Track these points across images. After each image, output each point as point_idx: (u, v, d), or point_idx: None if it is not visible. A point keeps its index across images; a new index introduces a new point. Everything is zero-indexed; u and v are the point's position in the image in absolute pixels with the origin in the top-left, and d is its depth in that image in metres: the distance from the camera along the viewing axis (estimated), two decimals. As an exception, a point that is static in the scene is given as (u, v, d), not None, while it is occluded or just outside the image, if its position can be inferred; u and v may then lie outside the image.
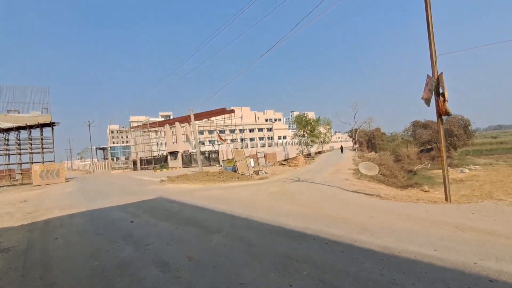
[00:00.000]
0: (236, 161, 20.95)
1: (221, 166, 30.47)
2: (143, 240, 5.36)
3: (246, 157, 22.31)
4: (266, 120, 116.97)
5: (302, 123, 47.10)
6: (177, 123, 34.86)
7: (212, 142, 66.56)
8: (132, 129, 42.44)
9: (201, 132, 70.77)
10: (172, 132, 37.70)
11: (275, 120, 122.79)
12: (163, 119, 73.33)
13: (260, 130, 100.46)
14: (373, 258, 3.73)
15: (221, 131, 67.93)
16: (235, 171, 21.49)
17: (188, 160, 34.50)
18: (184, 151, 35.44)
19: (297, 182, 15.44)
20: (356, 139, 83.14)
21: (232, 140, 54.94)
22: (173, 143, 36.77)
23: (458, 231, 4.71)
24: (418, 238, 4.42)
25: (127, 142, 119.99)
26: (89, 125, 47.91)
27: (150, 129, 39.00)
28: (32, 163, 29.22)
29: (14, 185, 27.76)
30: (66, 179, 30.13)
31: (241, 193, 11.54)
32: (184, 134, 36.46)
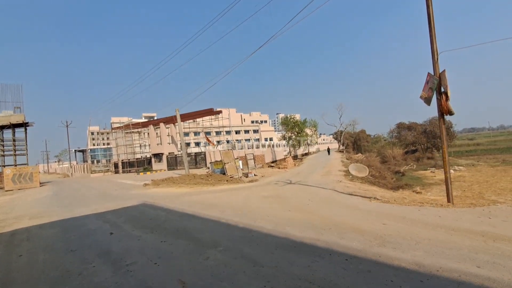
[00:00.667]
0: (225, 163, 20.09)
1: (209, 168, 29.48)
2: (124, 258, 4.48)
3: (235, 159, 21.50)
4: (252, 122, 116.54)
5: (289, 124, 46.82)
6: (161, 124, 33.48)
7: (198, 144, 65.13)
8: (113, 130, 40.50)
9: (186, 134, 69.10)
10: (157, 133, 36.21)
11: (261, 122, 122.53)
12: (146, 120, 71.04)
13: (247, 132, 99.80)
14: (410, 279, 3.09)
15: (207, 133, 66.63)
16: (224, 174, 20.64)
17: (173, 162, 33.18)
18: (169, 153, 34.08)
19: (290, 184, 14.82)
20: (342, 141, 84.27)
21: (218, 142, 53.85)
22: (158, 144, 35.28)
23: (489, 241, 4.18)
24: (450, 251, 3.83)
25: (108, 144, 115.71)
26: (67, 125, 45.44)
27: (133, 130, 37.30)
28: (3, 166, 27.03)
29: (-18, 190, 25.52)
30: (41, 183, 28.14)
31: (233, 198, 10.76)
32: (169, 135, 35.09)
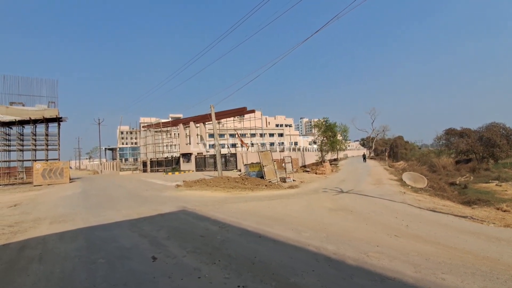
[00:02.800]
0: (263, 166, 18.01)
1: (240, 171, 27.65)
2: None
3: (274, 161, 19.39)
4: (277, 125, 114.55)
5: (322, 127, 44.02)
6: (191, 123, 32.21)
7: (222, 146, 63.84)
8: (143, 128, 39.97)
9: (211, 135, 68.21)
10: (186, 133, 35.07)
11: (286, 125, 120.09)
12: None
13: (271, 135, 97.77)
14: None
15: (232, 135, 65.30)
16: (261, 177, 18.58)
17: (202, 163, 31.71)
18: (198, 153, 32.70)
19: (344, 194, 12.55)
20: (373, 147, 79.43)
21: (252, 144, 51.93)
22: (187, 144, 34.07)
23: None
24: None
25: (135, 143, 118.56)
26: (99, 123, 45.83)
27: (162, 128, 36.48)
28: (34, 160, 26.89)
29: (14, 184, 25.40)
30: (70, 179, 27.70)
31: (290, 208, 8.61)
32: (198, 135, 33.78)
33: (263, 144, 45.91)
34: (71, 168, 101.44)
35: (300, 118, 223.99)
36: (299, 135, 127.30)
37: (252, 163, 20.83)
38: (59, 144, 28.54)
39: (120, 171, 37.35)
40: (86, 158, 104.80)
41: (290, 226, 6.11)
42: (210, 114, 26.08)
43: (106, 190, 16.69)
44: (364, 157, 39.06)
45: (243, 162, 26.43)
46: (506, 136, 31.66)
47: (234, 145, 63.68)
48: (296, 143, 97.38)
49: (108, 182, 23.40)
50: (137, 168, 40.07)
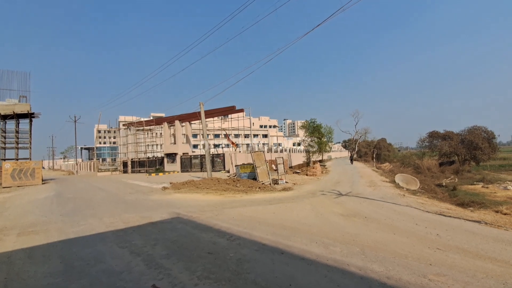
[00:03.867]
0: (256, 167, 17.12)
1: (228, 172, 26.59)
2: None
3: (267, 162, 18.55)
4: (261, 126, 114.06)
5: (310, 129, 43.78)
6: (177, 122, 30.70)
7: (216, 146, 62.26)
8: (124, 127, 37.81)
9: (195, 135, 66.46)
10: (170, 132, 33.46)
11: (270, 126, 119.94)
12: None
13: (255, 136, 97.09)
14: None
15: (217, 135, 63.87)
16: (254, 179, 17.71)
17: (187, 163, 30.30)
18: (183, 153, 31.24)
19: (345, 197, 12.04)
20: (356, 149, 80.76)
21: (237, 145, 50.73)
22: (171, 144, 32.48)
23: None
24: None
25: (114, 143, 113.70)
26: (75, 120, 43.00)
27: (145, 127, 34.62)
28: (3, 159, 24.43)
29: (-23, 185, 22.89)
30: (43, 180, 25.46)
31: (297, 215, 7.79)
32: (184, 134, 32.31)
33: (248, 145, 44.95)
34: (44, 168, 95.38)
35: (284, 120, 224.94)
36: (283, 136, 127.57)
37: (243, 164, 19.88)
38: (30, 142, 26.22)
39: (98, 171, 35.06)
40: (61, 158, 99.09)
41: (310, 238, 5.26)
42: (197, 113, 24.84)
43: (84, 193, 15.12)
44: (351, 159, 39.10)
45: (231, 163, 25.40)
46: (488, 139, 32.73)
47: (217, 146, 62.25)
48: (280, 144, 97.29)
49: (86, 184, 21.56)
50: (116, 168, 37.85)
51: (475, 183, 26.51)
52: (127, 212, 8.60)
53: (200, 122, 44.65)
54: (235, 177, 20.21)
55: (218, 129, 40.84)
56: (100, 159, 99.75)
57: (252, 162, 21.87)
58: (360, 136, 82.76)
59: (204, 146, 19.02)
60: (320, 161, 59.90)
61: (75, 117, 43.17)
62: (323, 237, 5.33)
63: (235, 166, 19.50)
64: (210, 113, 27.39)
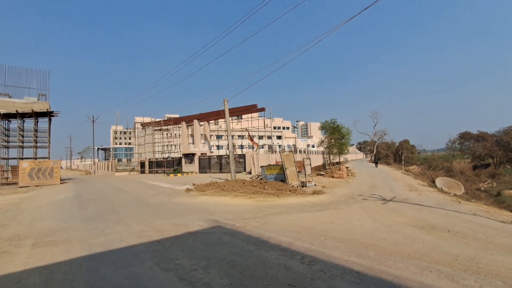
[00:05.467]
0: (285, 168, 15.82)
1: (249, 173, 25.38)
2: None
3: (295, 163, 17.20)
4: (274, 127, 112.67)
5: (330, 129, 42.16)
6: (195, 121, 29.81)
7: (221, 147, 61.44)
8: (142, 126, 37.31)
9: (220, 136, 65.75)
10: (188, 132, 32.62)
11: (284, 128, 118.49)
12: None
13: (269, 137, 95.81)
14: None
15: (241, 136, 62.92)
16: (282, 181, 16.42)
17: (206, 164, 29.29)
18: (201, 153, 30.28)
19: (395, 203, 10.76)
20: (375, 151, 77.99)
21: (262, 146, 49.61)
22: (189, 144, 31.63)
23: None
24: None
25: (129, 144, 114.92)
26: (93, 120, 42.97)
27: (162, 127, 33.96)
28: (21, 158, 24.12)
29: (-4, 184, 22.61)
30: (61, 180, 25.03)
31: (359, 225, 6.44)
32: (202, 134, 31.38)
33: (270, 146, 43.75)
34: (61, 168, 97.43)
35: (296, 121, 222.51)
36: (297, 138, 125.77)
37: (270, 165, 18.61)
38: (49, 141, 25.86)
39: (116, 171, 34.62)
40: (78, 158, 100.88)
41: (410, 262, 3.92)
42: (216, 112, 23.88)
43: (104, 194, 14.23)
44: (376, 161, 37.07)
45: (253, 164, 24.20)
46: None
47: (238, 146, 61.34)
48: (294, 146, 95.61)
49: (105, 184, 20.84)
50: (134, 168, 37.38)
51: (518, 188, 24.26)
52: (156, 218, 7.47)
53: (218, 121, 43.81)
54: (259, 178, 18.99)
55: (238, 130, 39.74)
56: (116, 159, 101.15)
57: (280, 163, 20.61)
58: (379, 138, 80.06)
59: (228, 146, 17.90)
60: (338, 163, 58.06)
61: (93, 117, 43.17)
62: (428, 260, 3.98)
63: (261, 167, 18.23)
64: (233, 111, 26.29)
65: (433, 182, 22.53)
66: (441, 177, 20.56)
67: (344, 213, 8.17)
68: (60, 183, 22.91)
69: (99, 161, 63.89)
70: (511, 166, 32.14)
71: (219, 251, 4.51)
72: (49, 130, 25.88)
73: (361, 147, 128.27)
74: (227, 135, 17.88)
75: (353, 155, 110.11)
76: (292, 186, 15.48)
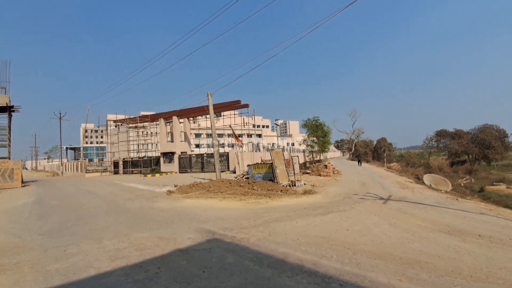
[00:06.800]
0: (276, 167, 14.85)
1: (234, 172, 24.16)
2: None
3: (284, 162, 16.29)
4: (254, 126, 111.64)
5: (312, 127, 41.87)
6: (174, 118, 28.00)
7: (200, 146, 59.52)
8: (114, 123, 34.68)
9: (199, 135, 63.57)
10: (166, 130, 30.70)
11: (264, 126, 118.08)
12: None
13: (249, 136, 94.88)
14: None
15: (209, 135, 61.13)
16: (271, 180, 15.48)
17: (186, 163, 27.64)
18: (181, 152, 28.56)
19: (394, 202, 10.31)
20: (353, 149, 79.58)
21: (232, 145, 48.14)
22: (168, 142, 29.74)
23: None
24: None
25: (101, 143, 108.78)
26: (60, 117, 39.53)
27: (138, 124, 31.71)
28: (-25, 159, 21.23)
29: None
30: (23, 182, 22.43)
31: (383, 233, 5.57)
32: (182, 132, 29.63)
33: (258, 144, 42.67)
34: (26, 169, 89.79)
35: (276, 120, 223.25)
36: (277, 136, 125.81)
37: (257, 163, 17.53)
38: (9, 139, 23.08)
39: (86, 172, 31.90)
40: (44, 158, 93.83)
41: (480, 286, 3.03)
42: (204, 106, 22.33)
43: (72, 198, 12.41)
44: (359, 160, 37.18)
45: (237, 162, 23.01)
46: (500, 137, 31.56)
47: (208, 146, 59.51)
48: (274, 144, 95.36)
49: (74, 187, 18.69)
50: (106, 169, 34.74)
51: (494, 183, 25.14)
52: (136, 229, 6.13)
53: (198, 119, 41.94)
54: (244, 178, 17.91)
55: (218, 128, 38.09)
56: (87, 159, 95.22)
57: (266, 161, 19.55)
58: (357, 136, 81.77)
59: (212, 143, 16.57)
60: (319, 161, 58.35)
61: (60, 114, 39.68)
62: (500, 283, 3.11)
63: (248, 166, 17.12)
64: (214, 108, 24.75)
65: (419, 179, 22.67)
66: (428, 174, 20.60)
67: (353, 216, 7.30)
68: (22, 186, 20.40)
69: (68, 161, 59.51)
70: (486, 162, 33.61)
71: (226, 281, 3.35)
72: (9, 127, 23.12)
73: (339, 145, 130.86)
74: (212, 132, 16.57)
75: (331, 153, 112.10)
76: (283, 185, 14.56)
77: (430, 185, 16.83)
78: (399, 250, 4.40)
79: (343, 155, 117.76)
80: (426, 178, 18.41)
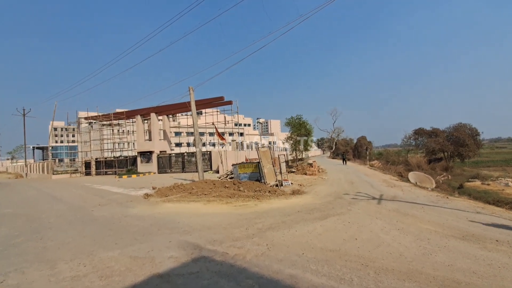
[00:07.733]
0: (263, 166, 14.03)
1: (217, 172, 23.03)
2: None
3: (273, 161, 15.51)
4: (235, 124, 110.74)
5: (296, 125, 41.49)
6: (152, 115, 26.31)
7: (181, 145, 57.57)
8: (88, 120, 32.13)
9: (179, 133, 61.37)
10: (144, 128, 28.91)
11: (245, 125, 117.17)
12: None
13: (231, 134, 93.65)
14: None
15: (190, 133, 59.30)
16: (258, 180, 14.70)
17: (166, 163, 26.11)
18: (160, 151, 26.96)
19: (388, 202, 10.09)
20: (334, 148, 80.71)
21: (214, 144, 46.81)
22: (146, 140, 27.99)
23: None
24: None
25: (73, 142, 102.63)
26: (23, 114, 36.29)
27: (112, 121, 29.54)
28: None
29: None
30: (-23, 186, 19.96)
31: (397, 241, 4.88)
32: (161, 129, 28.00)
33: (241, 143, 41.54)
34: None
35: (257, 118, 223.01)
36: (259, 135, 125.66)
37: (243, 162, 16.61)
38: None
39: (54, 174, 29.34)
40: (8, 159, 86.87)
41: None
42: (186, 103, 21.04)
43: (31, 204, 10.81)
44: (344, 158, 37.20)
45: (221, 162, 21.94)
46: (472, 136, 32.86)
47: (188, 144, 57.73)
48: (257, 143, 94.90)
49: (36, 190, 16.77)
50: (77, 170, 32.27)
51: (470, 180, 25.92)
52: (104, 246, 5.01)
53: (177, 117, 40.12)
54: (228, 178, 16.98)
55: (200, 125, 36.63)
56: (57, 160, 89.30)
57: (251, 160, 18.69)
58: (338, 135, 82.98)
59: (194, 141, 15.45)
60: (301, 159, 58.22)
61: (23, 110, 36.41)
62: None
63: (233, 165, 16.14)
64: (198, 104, 23.47)
65: (402, 176, 22.83)
66: (413, 172, 20.69)
67: (354, 220, 6.60)
68: (-25, 191, 18.07)
69: (34, 161, 55.25)
70: (460, 159, 34.92)
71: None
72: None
73: (319, 143, 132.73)
74: (193, 129, 15.40)
75: (312, 152, 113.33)
76: (271, 185, 13.79)
77: (416, 183, 16.75)
78: (426, 266, 3.69)
79: (323, 153, 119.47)
80: (411, 176, 18.40)
